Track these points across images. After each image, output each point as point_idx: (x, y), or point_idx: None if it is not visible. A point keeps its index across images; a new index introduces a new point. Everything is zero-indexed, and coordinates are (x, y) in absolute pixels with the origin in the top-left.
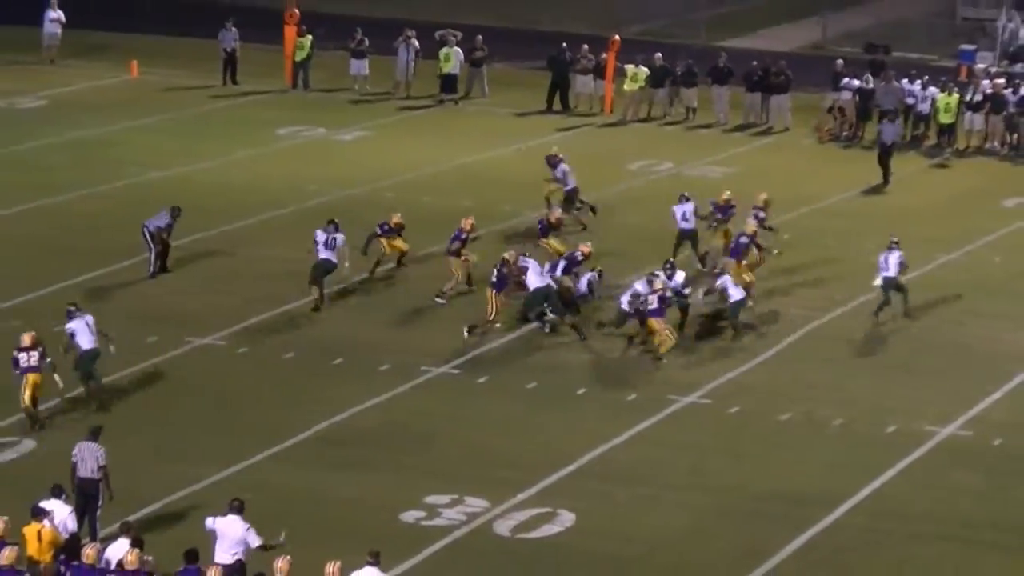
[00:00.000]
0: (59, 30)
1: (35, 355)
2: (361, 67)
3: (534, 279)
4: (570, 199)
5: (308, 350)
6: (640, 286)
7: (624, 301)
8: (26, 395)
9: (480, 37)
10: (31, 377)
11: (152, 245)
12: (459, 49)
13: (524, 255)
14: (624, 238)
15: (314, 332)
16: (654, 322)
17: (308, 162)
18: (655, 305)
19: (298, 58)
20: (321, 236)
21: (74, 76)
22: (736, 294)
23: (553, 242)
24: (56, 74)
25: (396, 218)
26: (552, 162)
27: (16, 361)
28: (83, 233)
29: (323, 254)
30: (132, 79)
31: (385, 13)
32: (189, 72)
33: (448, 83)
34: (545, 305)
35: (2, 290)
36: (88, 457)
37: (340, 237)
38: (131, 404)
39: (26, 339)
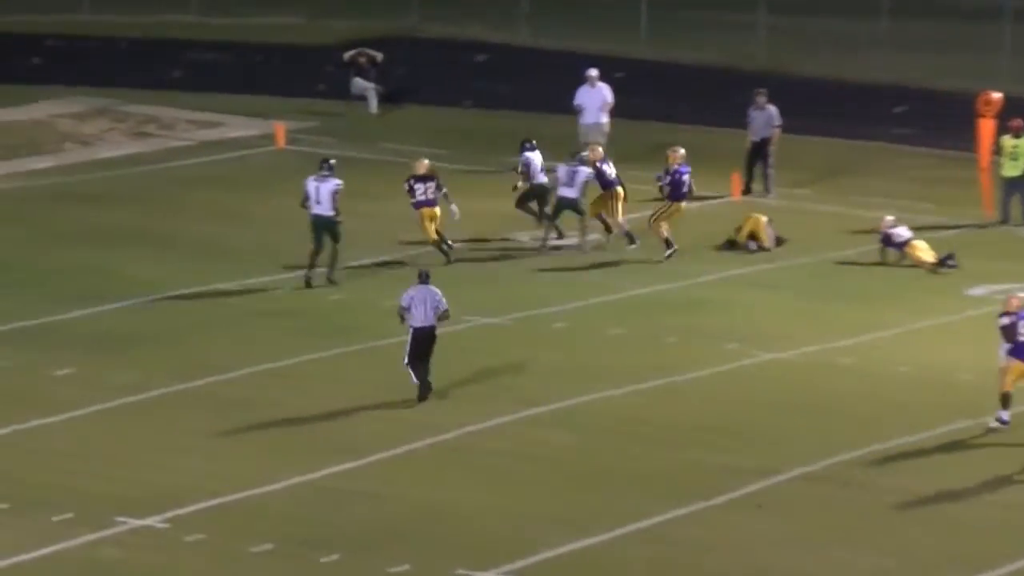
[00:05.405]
0: None
1: (431, 186)
2: None
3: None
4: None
5: None
6: None
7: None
8: (430, 229)
9: None
10: (427, 211)
11: None
12: None
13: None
14: None
15: None
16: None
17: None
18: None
19: (1009, 173)
20: None
21: None
22: None
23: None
24: None
25: None
26: None
27: (412, 190)
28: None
29: None
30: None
31: None
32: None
33: None
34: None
35: None
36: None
37: None
38: None
39: (420, 168)
